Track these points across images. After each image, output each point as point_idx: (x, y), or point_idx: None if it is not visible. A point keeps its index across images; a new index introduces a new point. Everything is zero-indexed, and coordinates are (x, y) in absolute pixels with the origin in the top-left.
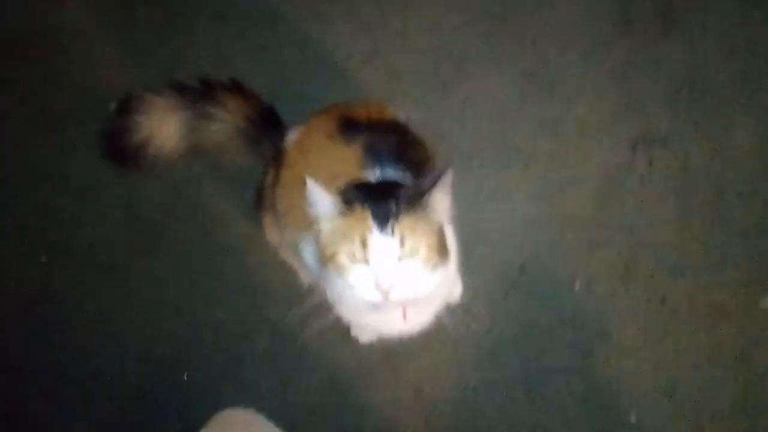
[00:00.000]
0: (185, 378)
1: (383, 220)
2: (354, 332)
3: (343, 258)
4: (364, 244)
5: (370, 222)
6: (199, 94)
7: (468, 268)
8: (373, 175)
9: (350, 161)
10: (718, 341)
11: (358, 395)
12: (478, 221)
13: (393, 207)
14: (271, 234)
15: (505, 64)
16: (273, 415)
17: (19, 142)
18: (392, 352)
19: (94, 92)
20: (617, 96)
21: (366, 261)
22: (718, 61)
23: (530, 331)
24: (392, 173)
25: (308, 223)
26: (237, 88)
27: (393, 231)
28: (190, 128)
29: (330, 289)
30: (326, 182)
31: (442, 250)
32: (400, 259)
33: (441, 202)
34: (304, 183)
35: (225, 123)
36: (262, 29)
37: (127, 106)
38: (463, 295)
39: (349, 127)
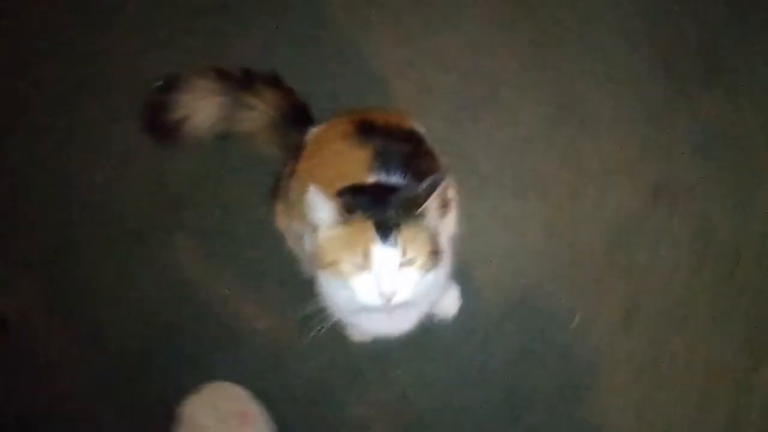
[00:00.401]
0: (182, 346)
1: (386, 231)
2: (348, 331)
3: (345, 267)
4: (367, 254)
5: (374, 233)
6: (240, 82)
7: (470, 287)
8: (378, 179)
9: (360, 163)
10: (711, 400)
11: (343, 391)
12: (487, 243)
13: (394, 218)
14: (281, 221)
15: (539, 92)
16: (258, 395)
17: (68, 106)
18: (384, 355)
19: (144, 69)
20: (647, 138)
21: (369, 269)
22: (757, 117)
23: (522, 358)
24: (397, 180)
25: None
26: (276, 81)
27: (395, 242)
28: (226, 113)
29: (324, 289)
30: (333, 181)
31: (436, 255)
32: (400, 266)
33: (434, 207)
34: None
35: (260, 113)
36: (307, 27)
37: (172, 85)
38: (461, 312)
39: (365, 129)
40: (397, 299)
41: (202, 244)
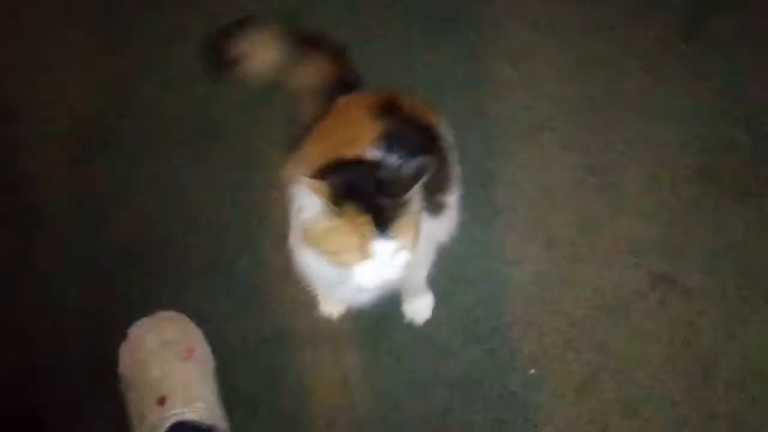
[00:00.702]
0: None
1: (383, 225)
2: (319, 302)
3: (346, 257)
4: (367, 247)
5: (373, 228)
6: (307, 40)
7: (447, 303)
8: (375, 157)
9: (365, 135)
10: None
11: (292, 356)
12: (478, 268)
13: (388, 210)
14: (287, 173)
15: (578, 147)
16: (208, 333)
17: (135, 20)
18: (342, 335)
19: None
20: (664, 230)
21: (369, 259)
22: None
23: (469, 385)
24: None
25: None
26: (341, 51)
27: (392, 233)
28: (284, 63)
29: (304, 263)
30: (337, 146)
31: (417, 235)
32: (395, 251)
33: (417, 191)
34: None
35: (314, 73)
36: (395, 19)
37: (244, 22)
38: (429, 322)
39: (386, 107)
40: (390, 279)
41: (218, 177)
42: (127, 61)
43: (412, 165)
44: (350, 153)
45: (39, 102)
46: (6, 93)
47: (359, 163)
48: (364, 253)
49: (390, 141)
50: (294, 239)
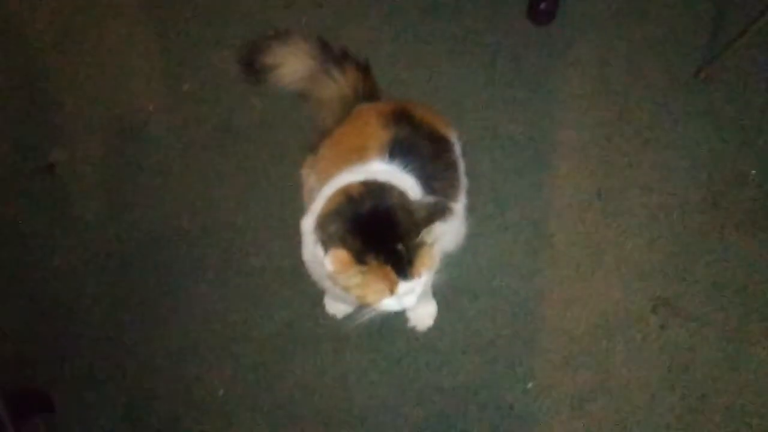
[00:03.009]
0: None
1: (404, 270)
2: (326, 302)
3: (371, 298)
4: (392, 290)
5: (394, 276)
6: (335, 56)
7: (452, 311)
8: (381, 163)
9: (375, 142)
10: None
11: (294, 353)
12: (483, 280)
13: (406, 255)
14: (305, 170)
15: (589, 172)
16: (215, 326)
17: (181, 27)
18: (345, 336)
19: (265, 19)
20: (669, 257)
21: (392, 296)
22: None
23: (467, 395)
24: (398, 170)
25: (331, 174)
26: (365, 69)
27: (412, 273)
28: (311, 75)
29: (317, 275)
30: (350, 151)
31: (437, 258)
32: (417, 284)
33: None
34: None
35: (339, 87)
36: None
37: (279, 35)
38: (432, 328)
39: (398, 116)
40: (412, 304)
41: (240, 170)
42: (167, 62)
43: (425, 205)
44: (358, 160)
45: (77, 95)
46: (46, 84)
47: (374, 215)
48: (389, 294)
49: (397, 147)
50: (307, 255)
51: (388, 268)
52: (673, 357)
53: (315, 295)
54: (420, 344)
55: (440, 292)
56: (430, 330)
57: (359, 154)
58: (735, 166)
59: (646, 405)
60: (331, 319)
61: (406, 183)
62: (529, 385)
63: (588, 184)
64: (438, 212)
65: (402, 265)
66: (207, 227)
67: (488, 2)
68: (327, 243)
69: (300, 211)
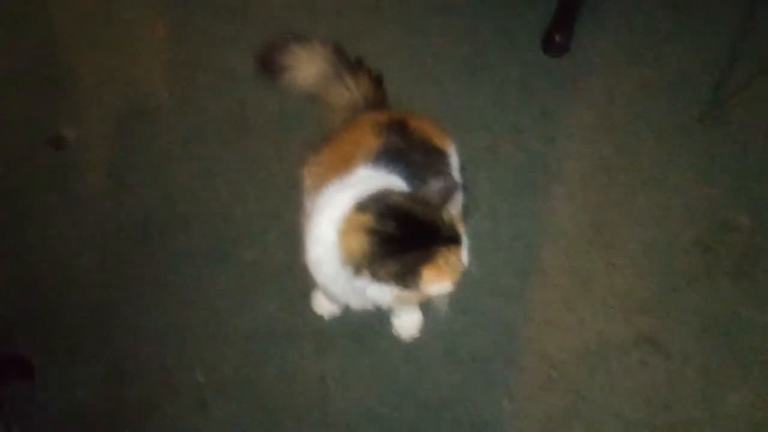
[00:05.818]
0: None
1: (457, 241)
2: (314, 301)
3: (453, 278)
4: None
5: (457, 250)
6: (350, 64)
7: (431, 328)
8: (370, 171)
9: (366, 149)
10: None
11: (277, 348)
12: (467, 301)
13: (450, 233)
14: (305, 170)
15: (583, 203)
16: (204, 319)
17: (201, 31)
18: (328, 336)
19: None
20: (656, 294)
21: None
22: None
23: (442, 407)
24: (388, 177)
25: (326, 179)
26: (378, 80)
27: (460, 240)
28: (324, 80)
29: (322, 274)
30: (344, 157)
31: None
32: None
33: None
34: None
35: (350, 94)
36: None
37: (298, 37)
38: (414, 339)
39: (393, 125)
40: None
41: (248, 161)
42: (186, 53)
43: (435, 192)
44: (346, 168)
45: (92, 76)
46: (64, 64)
47: (405, 226)
48: (462, 266)
49: (387, 155)
50: (311, 252)
51: (451, 248)
52: (651, 393)
53: (302, 292)
54: (401, 352)
55: (426, 304)
56: (414, 339)
57: (348, 163)
58: (728, 212)
59: None
60: (317, 317)
61: (394, 183)
62: (506, 403)
63: (583, 214)
64: (449, 192)
65: (455, 239)
66: (204, 215)
67: (505, 31)
68: (404, 277)
69: (297, 208)
